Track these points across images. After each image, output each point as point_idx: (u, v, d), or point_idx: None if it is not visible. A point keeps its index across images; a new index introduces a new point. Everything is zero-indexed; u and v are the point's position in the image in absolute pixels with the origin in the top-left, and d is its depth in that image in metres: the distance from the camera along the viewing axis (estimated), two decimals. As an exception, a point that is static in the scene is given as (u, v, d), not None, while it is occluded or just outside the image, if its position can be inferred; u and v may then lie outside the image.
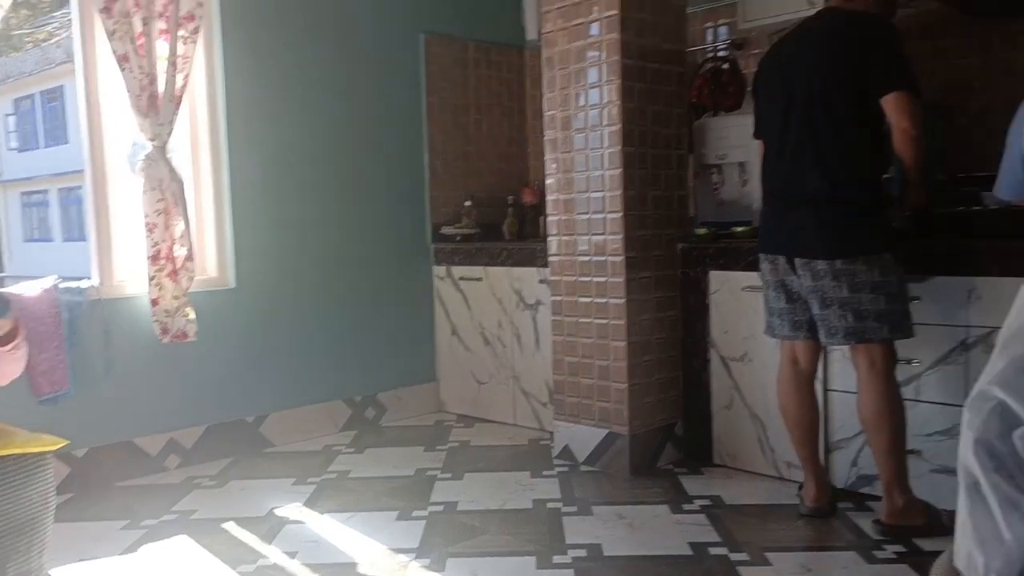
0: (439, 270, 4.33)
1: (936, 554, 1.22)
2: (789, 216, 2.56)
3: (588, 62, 3.21)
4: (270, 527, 2.78)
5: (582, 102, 3.25)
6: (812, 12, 3.10)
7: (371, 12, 4.10)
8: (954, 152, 3.13)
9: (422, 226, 4.34)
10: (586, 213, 3.29)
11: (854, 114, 2.44)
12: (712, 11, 3.91)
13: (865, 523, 2.60)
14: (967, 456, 0.99)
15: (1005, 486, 0.94)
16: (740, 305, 3.15)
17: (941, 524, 2.42)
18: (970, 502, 1.00)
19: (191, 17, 3.38)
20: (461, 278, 4.22)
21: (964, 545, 1.01)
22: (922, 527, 2.46)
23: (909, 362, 2.65)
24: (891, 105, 2.37)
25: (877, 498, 2.64)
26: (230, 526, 2.80)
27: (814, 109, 2.48)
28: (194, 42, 3.40)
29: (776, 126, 2.60)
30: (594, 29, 3.17)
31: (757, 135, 2.78)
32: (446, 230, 4.32)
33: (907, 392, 2.60)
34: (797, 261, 2.55)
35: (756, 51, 3.79)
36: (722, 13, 3.86)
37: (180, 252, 3.37)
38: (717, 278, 3.23)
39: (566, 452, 3.43)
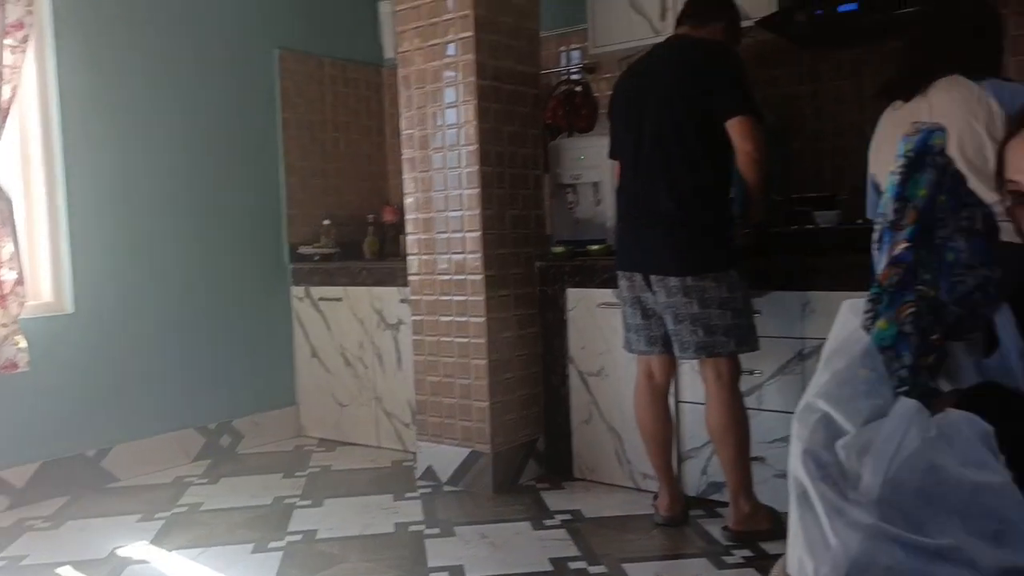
0: (297, 290, 4.21)
1: (780, 557, 1.28)
2: (644, 234, 2.65)
3: (445, 82, 3.22)
4: (111, 569, 2.61)
5: (439, 122, 3.26)
6: (657, 39, 3.25)
7: (223, 25, 3.96)
8: (788, 174, 3.34)
9: (279, 246, 4.22)
10: (445, 232, 3.29)
11: (701, 137, 2.55)
12: (565, 36, 4.01)
13: (715, 529, 2.71)
14: (796, 466, 1.05)
15: (831, 494, 0.99)
16: (596, 321, 3.23)
17: (784, 528, 2.55)
18: (800, 510, 1.05)
19: (20, 25, 3.15)
20: (321, 298, 4.13)
21: (795, 552, 1.06)
22: (767, 531, 2.59)
23: (751, 373, 2.80)
24: (735, 129, 2.50)
25: (726, 504, 2.75)
26: (66, 571, 2.61)
27: (664, 132, 2.59)
28: (23, 52, 3.17)
29: (630, 148, 2.69)
30: (450, 49, 3.19)
31: (612, 156, 2.86)
32: (304, 249, 4.21)
33: (749, 402, 2.74)
34: (652, 278, 2.64)
35: (607, 75, 3.92)
36: (574, 38, 3.97)
37: (9, 276, 3.12)
38: (574, 295, 3.30)
39: (429, 473, 3.40)
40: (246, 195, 4.07)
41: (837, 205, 3.02)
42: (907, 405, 0.99)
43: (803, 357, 2.73)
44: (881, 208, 1.08)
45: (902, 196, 1.05)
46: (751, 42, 3.41)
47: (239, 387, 4.03)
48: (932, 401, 1.01)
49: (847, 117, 3.34)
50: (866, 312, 1.06)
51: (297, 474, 3.59)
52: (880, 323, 1.04)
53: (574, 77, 3.91)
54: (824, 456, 1.01)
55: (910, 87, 2.21)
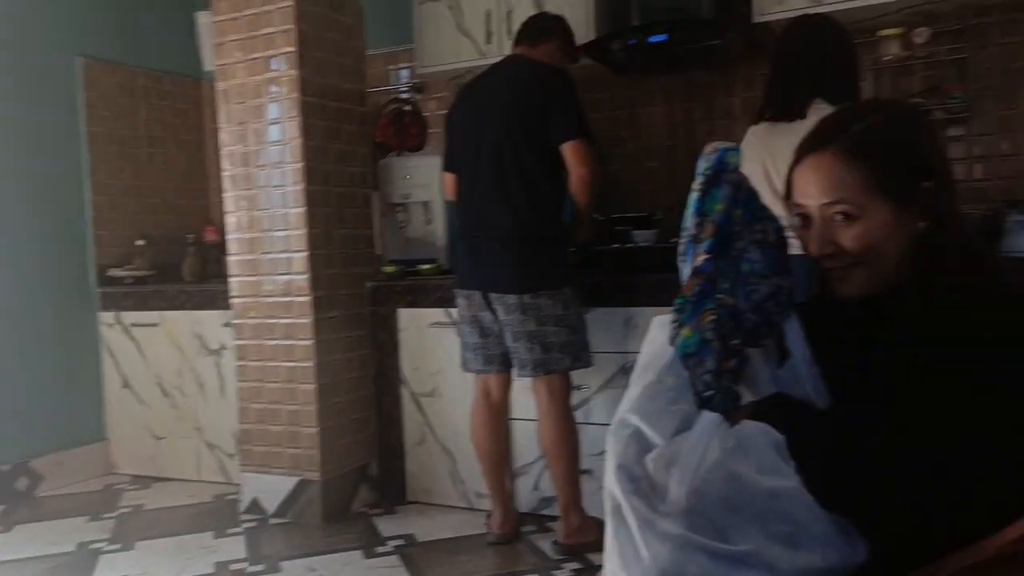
0: (107, 316, 3.91)
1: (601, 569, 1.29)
2: (481, 252, 2.66)
3: (268, 97, 3.11)
4: None
5: (263, 138, 3.14)
6: (483, 61, 3.31)
7: (14, 30, 3.64)
8: (608, 196, 3.46)
9: (84, 268, 3.91)
10: (270, 252, 3.16)
11: (537, 157, 2.60)
12: (393, 54, 3.99)
13: (546, 544, 2.75)
14: (610, 481, 1.06)
15: (642, 507, 1.01)
16: (428, 341, 3.21)
17: (611, 538, 2.62)
18: (614, 524, 1.07)
19: None
20: (133, 324, 3.85)
21: (610, 565, 1.07)
22: (595, 543, 2.65)
23: (579, 388, 2.86)
24: (569, 153, 2.57)
25: (557, 518, 2.79)
26: None
27: (501, 151, 2.61)
28: None
29: (468, 166, 2.70)
30: (273, 64, 3.09)
31: (448, 169, 2.85)
32: (115, 272, 3.92)
33: (577, 416, 2.80)
34: (491, 296, 2.65)
35: (437, 95, 3.94)
36: (402, 57, 3.95)
37: None
38: (406, 315, 3.26)
39: (255, 505, 3.24)
40: (44, 215, 3.74)
41: (654, 224, 3.16)
42: (709, 418, 1.03)
43: (626, 371, 2.83)
44: (685, 223, 1.13)
45: (701, 211, 1.11)
46: (574, 67, 3.53)
47: (38, 424, 3.68)
48: (732, 412, 1.05)
49: (661, 141, 3.51)
50: (672, 322, 1.10)
51: (105, 516, 3.32)
52: (684, 331, 1.08)
53: (403, 96, 3.89)
54: (636, 470, 1.03)
55: (784, 111, 2.27)
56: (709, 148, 1.12)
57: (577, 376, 2.79)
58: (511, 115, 2.60)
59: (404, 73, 3.95)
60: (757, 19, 2.96)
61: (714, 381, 1.06)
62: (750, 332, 1.08)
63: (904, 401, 1.03)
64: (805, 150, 1.13)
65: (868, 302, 1.13)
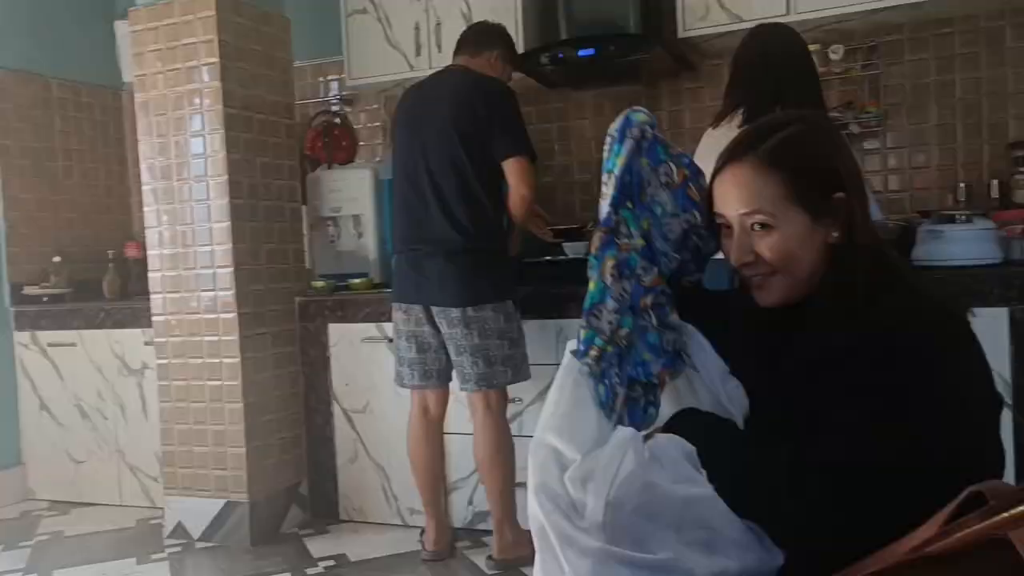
0: (22, 336, 3.76)
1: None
2: (423, 265, 2.63)
3: (189, 109, 3.04)
4: None
5: (185, 151, 3.06)
6: (413, 74, 3.30)
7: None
8: (541, 207, 3.48)
9: (-3, 286, 3.75)
10: (194, 268, 3.08)
11: (479, 169, 2.58)
12: (322, 66, 3.94)
13: (480, 560, 2.73)
14: (531, 503, 1.07)
15: (563, 524, 1.01)
16: (360, 357, 3.16)
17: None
18: (539, 544, 1.07)
19: None
20: (51, 344, 3.71)
21: None
22: (530, 557, 2.62)
23: (513, 400, 2.86)
24: (510, 169, 2.57)
25: (491, 532, 2.77)
26: None
27: (443, 163, 2.59)
28: None
29: (409, 177, 2.67)
30: (195, 76, 3.01)
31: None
32: (30, 290, 3.77)
33: (512, 429, 2.79)
34: (434, 309, 2.62)
35: (367, 107, 3.91)
36: (331, 69, 3.91)
37: None
38: (336, 331, 3.21)
39: (180, 530, 3.14)
40: (-45, 230, 3.58)
41: (585, 236, 3.18)
42: (624, 432, 1.04)
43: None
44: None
45: (606, 170, 1.15)
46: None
47: (-52, 450, 3.51)
48: (646, 425, 1.07)
49: (591, 154, 3.55)
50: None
51: (22, 544, 3.17)
52: (590, 285, 1.11)
53: (333, 109, 3.85)
54: (555, 489, 1.04)
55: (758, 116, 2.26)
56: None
57: (511, 389, 2.78)
58: (453, 128, 2.58)
59: (334, 85, 3.91)
60: (682, 35, 3.02)
61: (628, 318, 1.09)
62: (677, 270, 1.12)
63: (801, 409, 1.06)
64: (724, 160, 1.15)
65: (784, 309, 1.16)
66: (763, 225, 1.10)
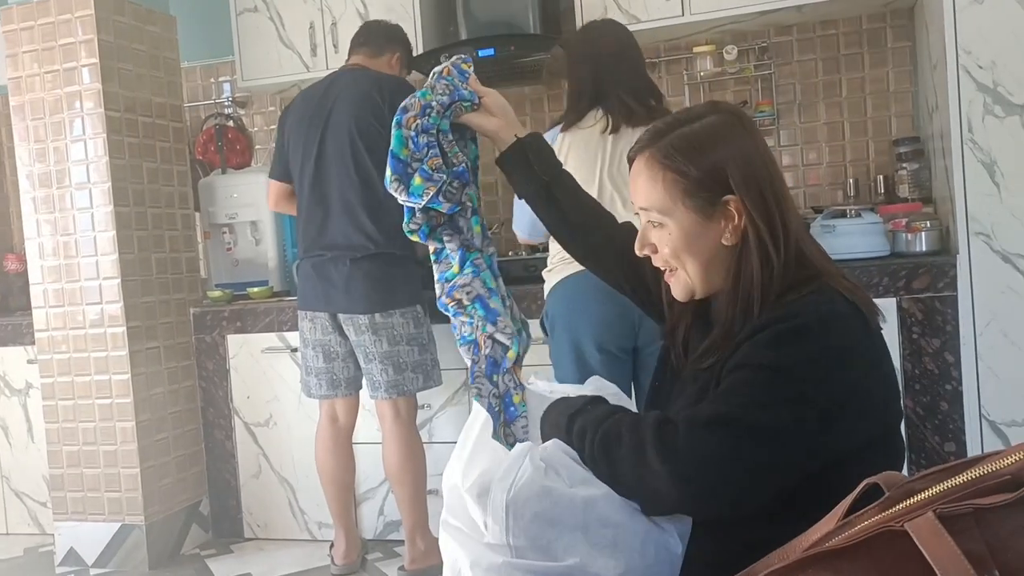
0: None
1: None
2: (328, 271, 2.55)
3: (69, 113, 2.87)
4: None
5: (65, 157, 2.89)
6: (309, 75, 3.21)
7: None
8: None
9: None
10: (78, 280, 2.92)
11: (381, 172, 2.50)
12: (213, 67, 3.80)
13: (392, 571, 2.67)
14: (440, 533, 1.07)
15: (470, 545, 1.02)
16: (261, 368, 3.06)
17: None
18: (451, 574, 1.06)
19: None
20: (-79, 366, 3.45)
21: None
22: (441, 566, 2.59)
23: (423, 407, 2.81)
24: None
25: (403, 543, 2.72)
26: None
27: (344, 166, 2.52)
28: None
29: (308, 181, 2.58)
30: (74, 77, 2.86)
31: (280, 178, 2.70)
32: None
33: (422, 436, 2.74)
34: (341, 317, 2.54)
35: (262, 110, 3.78)
36: (223, 70, 3.77)
37: None
38: (236, 342, 3.10)
39: (72, 556, 2.97)
40: None
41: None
42: (519, 448, 1.04)
43: (469, 387, 2.80)
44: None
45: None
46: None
47: None
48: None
49: (492, 154, 3.52)
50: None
51: None
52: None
53: (226, 111, 3.71)
54: (460, 514, 1.03)
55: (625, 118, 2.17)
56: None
57: (420, 395, 2.73)
58: (356, 131, 2.51)
59: (226, 87, 3.77)
60: (581, 35, 3.03)
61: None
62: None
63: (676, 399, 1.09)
64: (633, 151, 1.15)
65: (692, 306, 1.17)
66: (656, 223, 1.11)
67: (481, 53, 3.00)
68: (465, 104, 1.30)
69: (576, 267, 2.02)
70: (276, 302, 3.07)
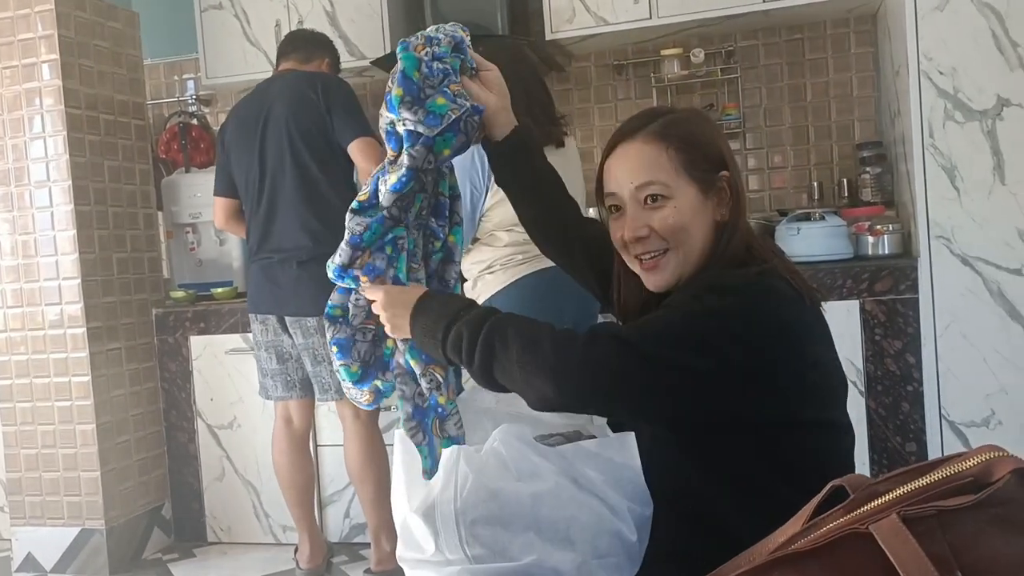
0: None
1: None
2: (275, 274, 2.52)
3: (29, 110, 2.82)
4: None
5: (24, 155, 2.83)
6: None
7: None
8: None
9: None
10: (38, 280, 2.86)
11: (324, 170, 2.50)
12: (177, 64, 3.74)
13: (358, 573, 2.65)
14: (403, 566, 1.09)
15: (425, 566, 1.03)
16: (225, 369, 3.02)
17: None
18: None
19: None
20: None
21: None
22: (409, 566, 2.59)
23: (388, 409, 2.79)
24: (355, 151, 2.48)
25: (369, 545, 2.70)
26: None
27: (285, 167, 2.49)
28: None
29: (252, 185, 2.56)
30: (34, 74, 2.80)
31: (224, 194, 2.68)
32: None
33: (383, 437, 2.72)
34: (288, 319, 2.52)
35: (227, 108, 3.71)
36: (186, 67, 3.71)
37: None
38: (199, 343, 3.05)
39: (30, 561, 2.91)
40: None
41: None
42: (447, 454, 1.03)
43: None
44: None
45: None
46: (368, 81, 3.47)
47: None
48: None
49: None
50: None
51: None
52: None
53: (190, 109, 3.66)
54: (411, 542, 1.02)
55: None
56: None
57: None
58: (293, 128, 2.49)
59: (190, 84, 3.72)
60: (550, 37, 3.04)
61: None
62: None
63: None
64: (614, 142, 1.16)
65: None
66: (657, 197, 1.11)
67: (449, 53, 2.99)
68: (469, 64, 1.21)
69: (530, 267, 2.02)
70: (240, 303, 3.02)
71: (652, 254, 1.12)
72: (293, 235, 2.50)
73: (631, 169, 1.13)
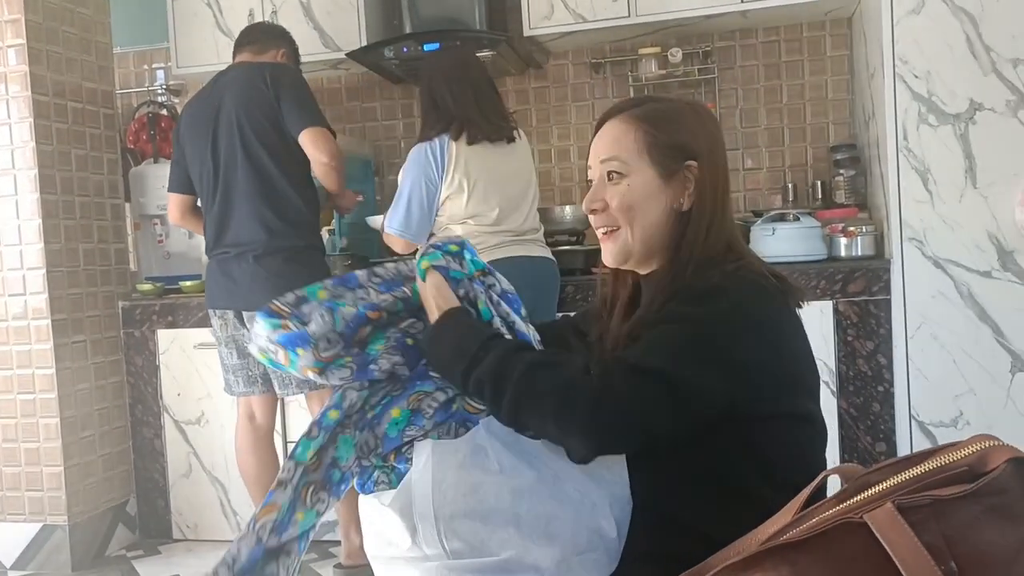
0: None
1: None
2: (232, 268, 2.48)
3: (-7, 95, 2.75)
4: None
5: (-12, 141, 2.76)
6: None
7: None
8: (385, 204, 3.40)
9: None
10: (0, 270, 2.79)
11: (277, 160, 2.46)
12: (147, 53, 3.68)
13: (328, 571, 2.62)
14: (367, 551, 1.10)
15: (401, 562, 1.04)
16: (193, 364, 2.97)
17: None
18: None
19: None
20: None
21: None
22: (378, 562, 2.56)
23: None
24: (306, 140, 2.44)
25: (339, 542, 2.67)
26: None
27: (237, 160, 2.46)
28: None
29: (207, 180, 2.52)
30: (0, 59, 2.73)
31: (179, 190, 2.63)
32: None
33: (359, 434, 2.70)
34: (245, 314, 2.48)
35: (198, 99, 3.67)
36: (157, 56, 3.65)
37: None
38: (166, 337, 3.00)
39: (-12, 560, 2.84)
40: None
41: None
42: (424, 447, 1.02)
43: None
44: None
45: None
46: (345, 74, 3.43)
47: None
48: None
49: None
50: None
51: None
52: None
53: (159, 99, 3.59)
54: (387, 529, 1.01)
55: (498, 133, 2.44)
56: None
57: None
58: (245, 120, 2.45)
59: (160, 74, 3.65)
60: (528, 33, 3.03)
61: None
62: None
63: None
64: (602, 119, 1.20)
65: (638, 280, 1.20)
66: (616, 173, 1.14)
67: (426, 47, 2.97)
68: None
69: (486, 256, 2.01)
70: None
71: (605, 228, 1.16)
72: (248, 229, 2.46)
73: (601, 145, 1.17)
